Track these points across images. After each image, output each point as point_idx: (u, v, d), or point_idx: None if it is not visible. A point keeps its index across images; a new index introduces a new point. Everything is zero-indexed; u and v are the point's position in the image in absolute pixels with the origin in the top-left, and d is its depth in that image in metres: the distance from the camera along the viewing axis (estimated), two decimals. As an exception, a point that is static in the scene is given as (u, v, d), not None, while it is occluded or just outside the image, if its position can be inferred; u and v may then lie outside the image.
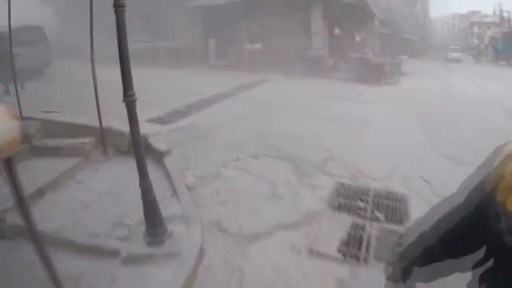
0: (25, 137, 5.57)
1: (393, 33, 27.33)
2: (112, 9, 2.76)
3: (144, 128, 5.81)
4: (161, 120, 6.66)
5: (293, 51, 13.97)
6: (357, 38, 16.63)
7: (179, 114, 7.24)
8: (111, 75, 12.73)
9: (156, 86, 10.86)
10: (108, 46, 17.16)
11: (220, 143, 5.53)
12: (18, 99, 6.97)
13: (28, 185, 3.39)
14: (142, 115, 6.45)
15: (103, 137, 5.44)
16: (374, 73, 12.68)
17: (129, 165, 4.53)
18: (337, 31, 14.64)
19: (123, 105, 3.00)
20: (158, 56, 16.29)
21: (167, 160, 4.84)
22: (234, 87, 10.62)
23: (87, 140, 5.43)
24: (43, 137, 5.79)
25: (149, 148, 5.23)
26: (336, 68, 13.80)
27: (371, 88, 11.77)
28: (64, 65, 16.60)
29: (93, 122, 5.51)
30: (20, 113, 6.58)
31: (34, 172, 4.39)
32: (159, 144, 5.23)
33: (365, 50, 14.98)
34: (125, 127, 5.74)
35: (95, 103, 5.64)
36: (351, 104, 9.04)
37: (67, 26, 22.21)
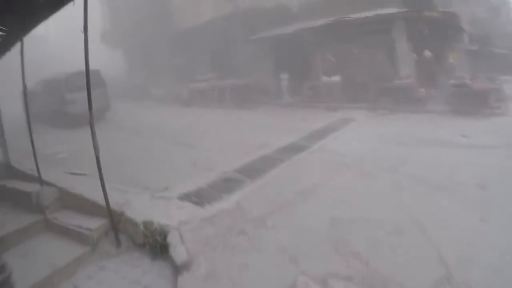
0: (40, 208, 5.55)
1: (482, 48, 23.93)
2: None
3: (170, 213, 4.76)
4: (197, 197, 5.42)
5: (377, 81, 12.09)
6: (451, 60, 14.10)
7: (226, 184, 5.92)
8: (172, 119, 11.14)
9: (214, 134, 10.04)
10: (175, 85, 16.99)
11: (272, 248, 3.89)
12: (36, 161, 6.41)
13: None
14: (177, 185, 5.93)
15: (113, 223, 4.71)
16: (476, 102, 10.21)
17: (143, 267, 4.04)
18: (427, 53, 12.41)
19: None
20: (224, 95, 15.49)
21: (182, 282, 3.35)
22: (308, 134, 9.14)
23: (96, 225, 4.85)
24: (60, 208, 5.69)
25: (164, 251, 4.01)
26: (428, 98, 11.53)
27: (475, 123, 9.31)
28: (127, 108, 16.88)
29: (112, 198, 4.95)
30: (40, 177, 6.21)
31: (32, 261, 4.33)
32: (178, 249, 3.86)
33: (459, 73, 12.39)
34: (142, 211, 4.66)
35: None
36: (457, 154, 6.73)
37: (135, 68, 23.07)
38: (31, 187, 5.95)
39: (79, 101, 13.15)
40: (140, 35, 20.55)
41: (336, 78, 13.04)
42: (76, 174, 7.28)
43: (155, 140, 10.08)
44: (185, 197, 5.43)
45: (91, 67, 13.93)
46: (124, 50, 23.70)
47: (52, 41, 32.41)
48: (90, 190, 5.62)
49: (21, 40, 6.34)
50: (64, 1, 4.58)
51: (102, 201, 4.87)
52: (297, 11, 13.49)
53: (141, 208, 4.95)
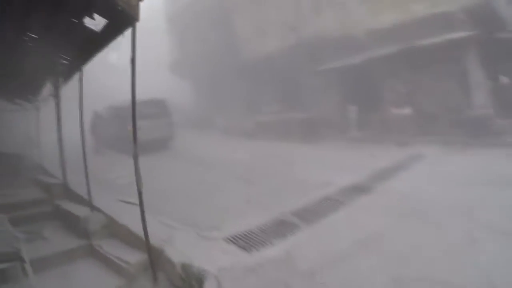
0: (87, 233, 5.70)
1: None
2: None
3: (212, 257, 4.54)
4: (245, 240, 5.17)
5: (449, 112, 11.12)
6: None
7: (279, 228, 5.60)
8: (234, 152, 11.03)
9: (275, 170, 9.80)
10: (241, 116, 17.05)
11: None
12: (88, 187, 6.59)
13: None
14: (227, 224, 5.81)
15: (152, 260, 4.62)
16: None
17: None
18: (503, 79, 11.21)
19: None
20: (289, 128, 15.24)
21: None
22: (374, 172, 8.53)
23: (136, 259, 4.83)
24: (106, 235, 5.78)
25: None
26: (506, 130, 10.28)
27: None
28: (192, 138, 17.30)
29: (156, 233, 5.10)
30: (90, 202, 6.57)
31: (69, 285, 4.49)
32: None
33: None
34: (184, 251, 4.65)
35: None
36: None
37: (202, 98, 23.78)
38: (82, 211, 6.18)
39: (143, 128, 13.65)
40: (207, 65, 21.23)
41: (406, 110, 12.26)
42: (128, 202, 7.36)
43: (213, 173, 10.09)
44: (232, 239, 5.22)
45: (157, 96, 14.83)
46: (192, 80, 24.60)
47: (122, 69, 34.58)
48: (137, 222, 5.41)
49: (81, 70, 6.71)
50: (115, 33, 4.70)
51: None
52: (363, 39, 13.03)
53: (183, 247, 4.81)
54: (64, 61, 6.81)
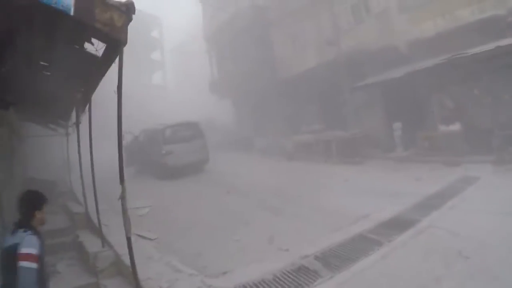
0: (95, 270, 5.54)
1: None
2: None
3: None
4: None
5: (504, 128, 9.79)
6: None
7: (296, 277, 4.82)
8: (268, 175, 10.49)
9: (308, 198, 9.01)
10: (280, 136, 16.33)
11: None
12: (99, 220, 6.43)
13: None
14: (239, 270, 5.24)
15: None
16: None
17: None
18: None
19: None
20: (330, 148, 14.33)
21: None
22: (420, 200, 7.44)
23: None
24: (115, 274, 5.59)
25: None
26: None
27: None
28: (229, 160, 16.88)
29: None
30: (102, 237, 6.39)
31: None
32: None
33: None
34: None
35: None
36: None
37: (242, 118, 23.40)
38: (94, 246, 6.08)
39: (175, 152, 13.45)
40: (245, 84, 20.87)
41: (455, 126, 10.96)
42: (142, 236, 7.04)
43: (241, 201, 9.49)
44: None
45: (192, 118, 14.62)
46: (231, 99, 24.33)
47: (170, 90, 35.39)
48: (144, 263, 5.49)
49: (89, 100, 6.40)
50: (114, 56, 4.27)
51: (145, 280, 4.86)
52: (406, 51, 11.96)
53: None
54: (79, 88, 6.59)
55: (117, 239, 6.42)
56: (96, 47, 4.54)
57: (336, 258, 5.20)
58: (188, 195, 11.01)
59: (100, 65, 4.89)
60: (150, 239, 7.00)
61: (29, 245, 2.84)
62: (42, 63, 5.33)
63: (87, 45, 4.62)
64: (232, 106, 24.62)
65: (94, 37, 4.23)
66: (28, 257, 2.81)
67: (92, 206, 7.09)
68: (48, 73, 5.67)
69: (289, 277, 4.83)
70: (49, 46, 4.55)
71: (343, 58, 14.33)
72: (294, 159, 15.67)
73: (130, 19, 3.76)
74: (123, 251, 5.77)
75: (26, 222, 3.07)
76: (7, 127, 8.37)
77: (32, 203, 3.18)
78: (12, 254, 2.78)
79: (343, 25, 14.88)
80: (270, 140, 18.81)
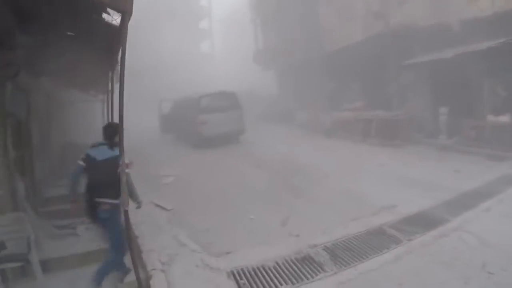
0: None
1: None
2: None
3: None
4: (252, 278, 4.36)
5: None
6: None
7: (300, 267, 4.53)
8: (302, 152, 10.00)
9: (335, 180, 8.55)
10: (321, 111, 15.66)
11: None
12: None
13: None
14: (242, 251, 5.07)
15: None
16: None
17: None
18: None
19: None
20: (369, 128, 13.55)
21: None
22: (454, 196, 6.73)
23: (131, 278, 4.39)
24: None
25: None
26: None
27: None
28: (267, 132, 16.52)
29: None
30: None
31: None
32: None
33: None
34: (174, 281, 4.32)
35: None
36: None
37: (284, 90, 22.82)
38: None
39: (210, 122, 13.27)
40: (290, 56, 20.16)
41: (505, 118, 9.83)
42: (158, 206, 7.04)
43: (266, 178, 9.17)
44: (238, 274, 4.39)
45: (232, 88, 14.46)
46: (275, 71, 23.71)
47: (218, 58, 35.32)
48: (153, 233, 5.71)
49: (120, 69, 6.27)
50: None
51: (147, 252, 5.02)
52: (458, 30, 10.74)
53: (175, 277, 4.36)
54: (107, 58, 6.48)
55: (133, 206, 6.54)
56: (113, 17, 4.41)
57: (346, 252, 4.81)
58: (217, 166, 10.87)
59: (118, 35, 4.70)
60: (166, 209, 6.92)
61: (126, 158, 3.96)
62: (69, 33, 5.37)
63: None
64: (275, 78, 24.03)
65: (98, 8, 4.20)
66: (129, 164, 4.30)
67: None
68: (75, 43, 5.62)
69: (290, 266, 4.55)
70: (71, 17, 4.66)
71: (391, 33, 13.22)
72: (332, 136, 15.05)
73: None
74: (137, 220, 6.03)
75: (114, 143, 4.42)
76: (43, 94, 8.57)
77: (114, 130, 4.38)
78: (117, 161, 3.96)
79: (393, -2, 13.66)
80: (310, 114, 18.15)
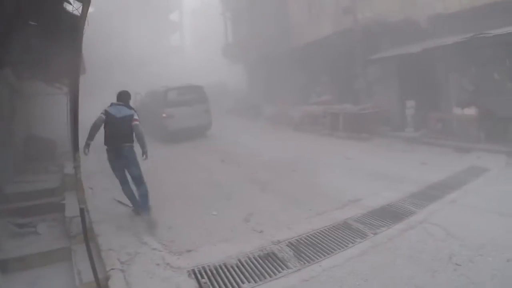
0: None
1: None
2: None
3: None
4: (213, 276, 4.14)
5: None
6: None
7: (262, 264, 4.32)
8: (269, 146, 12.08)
9: (302, 173, 8.43)
10: (289, 105, 15.41)
11: None
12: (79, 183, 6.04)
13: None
14: (204, 248, 4.88)
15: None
16: None
17: None
18: None
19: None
20: (337, 122, 13.43)
21: None
22: (420, 189, 6.65)
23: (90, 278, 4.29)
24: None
25: None
26: None
27: None
28: (234, 126, 16.24)
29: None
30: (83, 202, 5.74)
31: None
32: None
33: None
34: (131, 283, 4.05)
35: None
36: None
37: (253, 84, 22.55)
38: (73, 210, 5.67)
39: (176, 116, 12.83)
40: (258, 50, 19.91)
41: (470, 111, 9.93)
42: (122, 203, 6.77)
43: (232, 172, 8.94)
44: (199, 272, 4.15)
45: (198, 81, 14.05)
46: (244, 65, 23.42)
47: (188, 51, 34.72)
48: (114, 231, 5.45)
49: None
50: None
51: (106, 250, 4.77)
52: (425, 26, 10.76)
53: (135, 277, 4.09)
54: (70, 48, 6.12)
55: (96, 204, 6.55)
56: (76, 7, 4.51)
57: (310, 248, 4.59)
58: (181, 161, 10.49)
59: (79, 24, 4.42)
60: (128, 206, 6.55)
61: (137, 115, 5.89)
62: (31, 22, 5.38)
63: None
64: (245, 72, 23.72)
65: None
66: (138, 120, 5.85)
67: (85, 168, 6.76)
68: (39, 34, 5.61)
69: (253, 263, 4.30)
70: (33, 6, 4.77)
71: (359, 29, 13.16)
72: (300, 130, 14.89)
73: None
74: (98, 217, 5.93)
75: (129, 104, 6.10)
76: (6, 85, 8.20)
77: (129, 94, 6.23)
78: (132, 118, 5.77)
79: (362, -7, 13.59)
80: (279, 108, 17.93)
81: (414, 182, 6.99)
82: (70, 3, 4.49)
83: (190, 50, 35.49)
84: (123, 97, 6.04)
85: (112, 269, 4.23)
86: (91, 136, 5.60)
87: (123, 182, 6.02)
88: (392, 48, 12.08)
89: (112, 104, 5.90)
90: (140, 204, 5.88)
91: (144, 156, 5.80)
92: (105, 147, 5.78)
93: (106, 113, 5.67)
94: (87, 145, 5.57)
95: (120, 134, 5.64)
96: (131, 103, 6.37)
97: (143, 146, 5.77)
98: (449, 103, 10.99)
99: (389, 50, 12.15)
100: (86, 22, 3.94)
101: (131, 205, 6.49)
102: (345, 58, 14.51)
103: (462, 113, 10.22)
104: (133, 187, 6.02)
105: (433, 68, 11.20)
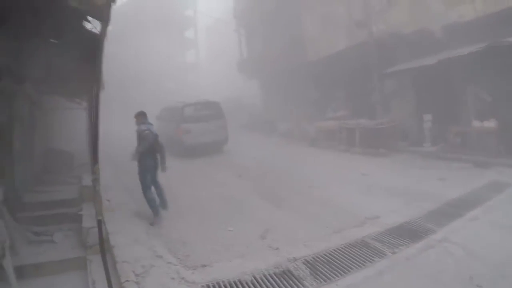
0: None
1: None
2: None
3: None
4: None
5: None
6: None
7: (279, 280, 4.28)
8: (284, 162, 11.99)
9: (318, 191, 8.29)
10: (305, 120, 15.34)
11: None
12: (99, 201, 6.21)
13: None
14: (219, 264, 4.88)
15: None
16: None
17: None
18: None
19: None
20: (353, 137, 13.32)
21: None
22: (439, 206, 6.51)
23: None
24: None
25: None
26: None
27: None
28: (249, 142, 16.25)
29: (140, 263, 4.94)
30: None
31: None
32: None
33: None
34: None
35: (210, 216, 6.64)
36: None
37: (268, 99, 22.63)
38: (90, 221, 5.83)
39: (193, 131, 12.99)
40: (273, 65, 20.02)
41: (490, 123, 9.72)
42: (139, 216, 6.99)
43: (247, 188, 8.91)
44: (213, 287, 4.16)
45: (215, 97, 14.30)
46: (258, 80, 23.56)
47: (203, 67, 35.20)
48: (129, 244, 5.52)
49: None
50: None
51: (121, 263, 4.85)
52: (441, 36, 10.65)
53: None
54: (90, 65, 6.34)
55: (113, 216, 6.67)
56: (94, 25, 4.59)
57: (327, 266, 4.53)
58: (197, 176, 10.56)
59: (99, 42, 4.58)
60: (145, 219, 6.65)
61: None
62: (52, 40, 5.57)
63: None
64: (259, 87, 23.85)
65: (78, 16, 4.41)
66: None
67: (103, 180, 6.93)
68: (59, 50, 5.76)
69: (268, 280, 4.27)
70: (53, 24, 4.85)
71: (374, 42, 13.15)
72: (315, 145, 14.82)
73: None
74: (113, 229, 6.05)
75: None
76: (27, 100, 8.45)
77: (145, 114, 7.07)
78: (157, 135, 7.03)
79: (374, 5, 13.58)
80: (294, 124, 17.91)
81: (433, 198, 6.85)
82: (90, 22, 4.64)
83: (205, 66, 35.94)
84: (145, 116, 7.06)
85: (127, 280, 4.29)
86: (140, 150, 6.76)
87: (150, 187, 6.92)
88: (408, 60, 11.98)
89: (145, 123, 6.96)
90: (160, 202, 6.97)
91: (163, 169, 7.04)
92: (139, 158, 6.82)
93: (149, 130, 6.80)
94: (135, 158, 6.85)
95: (155, 148, 6.91)
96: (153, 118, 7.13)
97: (163, 162, 7.04)
98: (467, 115, 10.77)
99: (405, 62, 12.05)
100: (106, 40, 4.05)
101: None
102: (360, 72, 14.43)
103: (481, 125, 10.02)
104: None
105: (450, 80, 11.05)
